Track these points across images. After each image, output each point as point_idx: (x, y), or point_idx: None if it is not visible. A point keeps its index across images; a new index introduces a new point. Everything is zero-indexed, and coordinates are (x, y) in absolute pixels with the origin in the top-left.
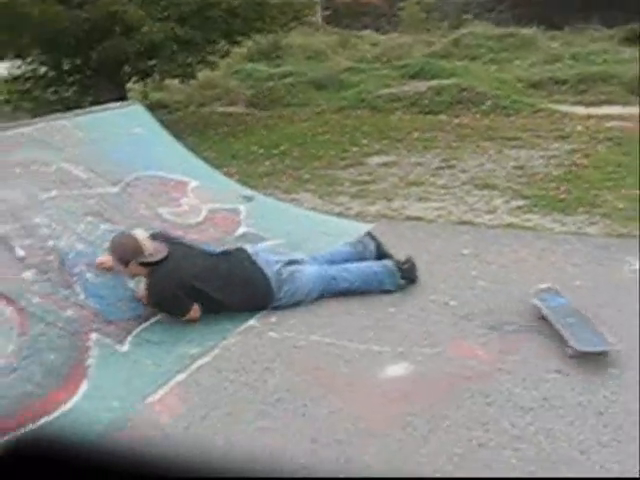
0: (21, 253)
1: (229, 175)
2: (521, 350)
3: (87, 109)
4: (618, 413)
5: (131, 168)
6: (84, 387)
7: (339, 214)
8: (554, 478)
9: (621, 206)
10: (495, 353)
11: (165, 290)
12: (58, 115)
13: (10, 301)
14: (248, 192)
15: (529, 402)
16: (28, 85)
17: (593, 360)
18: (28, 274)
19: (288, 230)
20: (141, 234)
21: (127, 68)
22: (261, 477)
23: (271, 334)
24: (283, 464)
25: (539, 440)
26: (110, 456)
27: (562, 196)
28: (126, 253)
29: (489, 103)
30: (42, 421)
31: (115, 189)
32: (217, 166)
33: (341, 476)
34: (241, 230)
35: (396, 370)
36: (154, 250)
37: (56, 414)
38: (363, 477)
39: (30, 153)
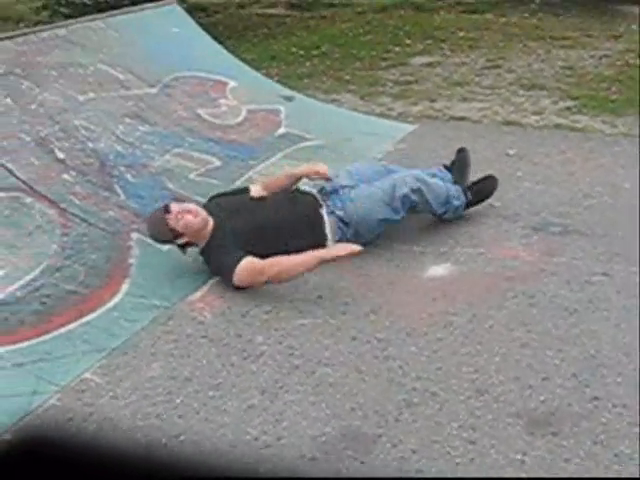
0: (61, 155)
1: (269, 76)
2: (566, 252)
3: (122, 9)
4: None
5: (169, 69)
6: (126, 286)
7: (381, 115)
8: (565, 479)
9: None
10: (539, 254)
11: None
12: (93, 16)
13: (52, 203)
14: (288, 92)
15: (573, 304)
16: None
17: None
18: (68, 176)
19: (329, 130)
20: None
21: None
22: (261, 477)
23: None
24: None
25: (583, 342)
26: (111, 456)
27: (613, 97)
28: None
29: (537, 1)
30: (87, 318)
31: (153, 90)
32: (256, 68)
33: (342, 476)
34: (281, 130)
35: (438, 270)
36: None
37: (100, 312)
38: (364, 477)
39: (66, 55)
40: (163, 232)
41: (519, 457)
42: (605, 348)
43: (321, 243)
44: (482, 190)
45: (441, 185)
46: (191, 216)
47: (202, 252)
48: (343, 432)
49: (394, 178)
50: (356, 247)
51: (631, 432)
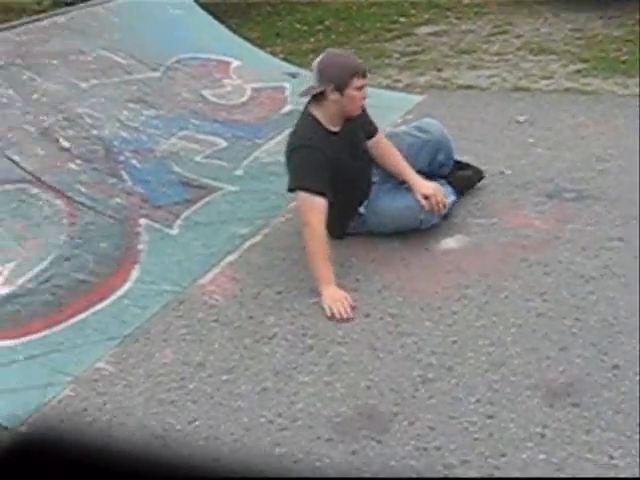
0: (66, 144)
1: (273, 54)
2: (580, 218)
3: None
4: None
5: (171, 51)
6: (136, 272)
7: (387, 87)
8: (564, 478)
9: None
10: (553, 222)
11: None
12: (92, 2)
13: (59, 192)
14: (293, 69)
15: (589, 271)
16: None
17: None
18: (74, 165)
19: None
20: None
21: None
22: (260, 477)
23: None
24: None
25: (600, 309)
26: (111, 456)
27: (623, 57)
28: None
29: None
30: (98, 307)
31: (156, 74)
32: (261, 46)
33: (343, 476)
34: (287, 107)
35: (450, 243)
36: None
37: (110, 300)
38: (363, 477)
39: (67, 43)
40: (331, 77)
41: (539, 430)
42: (623, 315)
43: (341, 227)
44: (464, 184)
45: (451, 200)
46: (361, 102)
47: (302, 121)
48: (359, 411)
49: (409, 201)
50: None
51: None
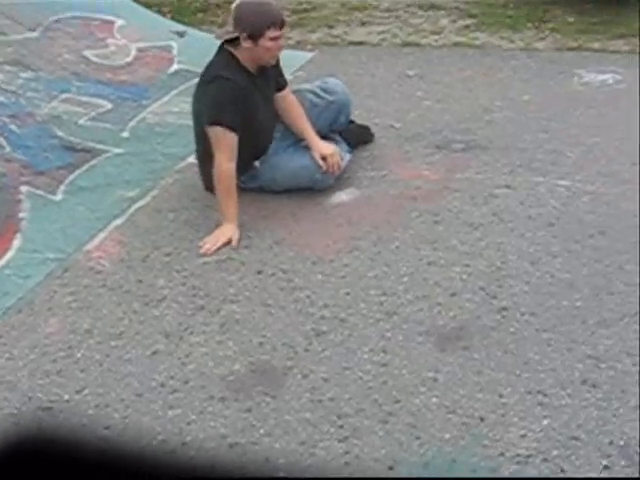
0: None
1: (161, 13)
2: (469, 167)
3: None
4: (569, 223)
5: (50, 10)
6: (18, 241)
7: None
8: (559, 478)
9: (571, 20)
10: (442, 172)
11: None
12: None
13: None
14: (180, 27)
15: (478, 218)
16: None
17: (542, 173)
18: None
19: None
20: None
21: None
22: (260, 477)
23: None
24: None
25: (489, 255)
26: (111, 456)
27: (510, 12)
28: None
29: None
30: None
31: (34, 34)
32: (147, 4)
33: (340, 476)
34: (174, 67)
35: (341, 196)
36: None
37: None
38: (364, 477)
39: None
40: (245, 26)
41: (431, 375)
42: (511, 259)
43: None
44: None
45: (347, 160)
46: (276, 53)
47: (218, 56)
48: (252, 368)
49: (307, 160)
50: (232, 240)
51: (540, 338)
